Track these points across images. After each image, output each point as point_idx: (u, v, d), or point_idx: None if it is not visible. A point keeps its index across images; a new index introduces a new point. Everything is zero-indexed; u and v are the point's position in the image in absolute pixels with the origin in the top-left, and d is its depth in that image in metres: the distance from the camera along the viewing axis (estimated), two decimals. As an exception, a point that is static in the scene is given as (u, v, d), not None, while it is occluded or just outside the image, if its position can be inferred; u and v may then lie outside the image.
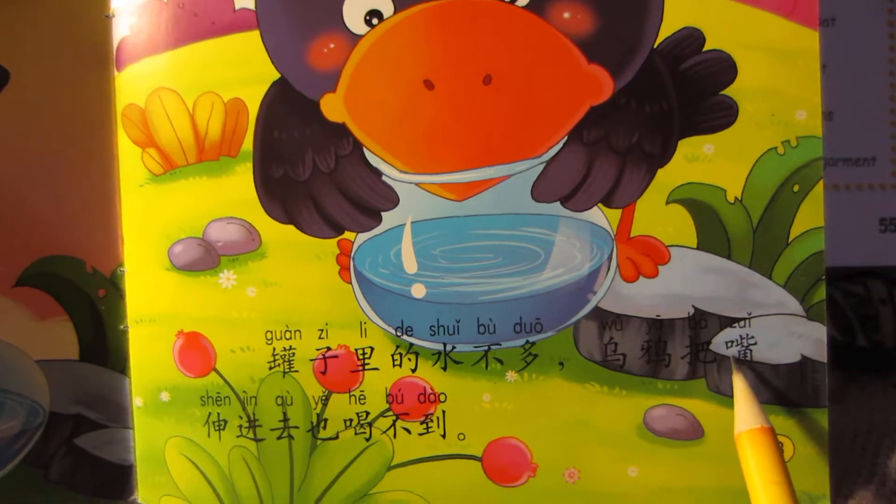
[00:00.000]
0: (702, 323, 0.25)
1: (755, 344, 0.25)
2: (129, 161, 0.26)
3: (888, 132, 0.32)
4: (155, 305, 0.26)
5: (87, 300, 0.27)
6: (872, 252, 0.32)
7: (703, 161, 0.24)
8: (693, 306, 0.25)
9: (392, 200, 0.25)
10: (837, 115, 0.32)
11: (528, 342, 0.25)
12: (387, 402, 0.26)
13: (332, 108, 0.25)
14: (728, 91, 0.24)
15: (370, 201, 0.25)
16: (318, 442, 0.26)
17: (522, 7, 0.25)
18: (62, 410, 0.27)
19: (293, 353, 0.26)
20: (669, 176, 0.24)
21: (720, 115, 0.24)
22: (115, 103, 0.26)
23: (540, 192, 0.25)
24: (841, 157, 0.32)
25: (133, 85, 0.26)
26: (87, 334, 0.27)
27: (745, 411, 0.23)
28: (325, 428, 0.26)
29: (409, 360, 0.25)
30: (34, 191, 0.26)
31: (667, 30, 0.24)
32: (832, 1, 0.32)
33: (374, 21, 0.25)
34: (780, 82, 0.24)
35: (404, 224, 0.25)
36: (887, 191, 0.32)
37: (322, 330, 0.26)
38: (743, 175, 0.24)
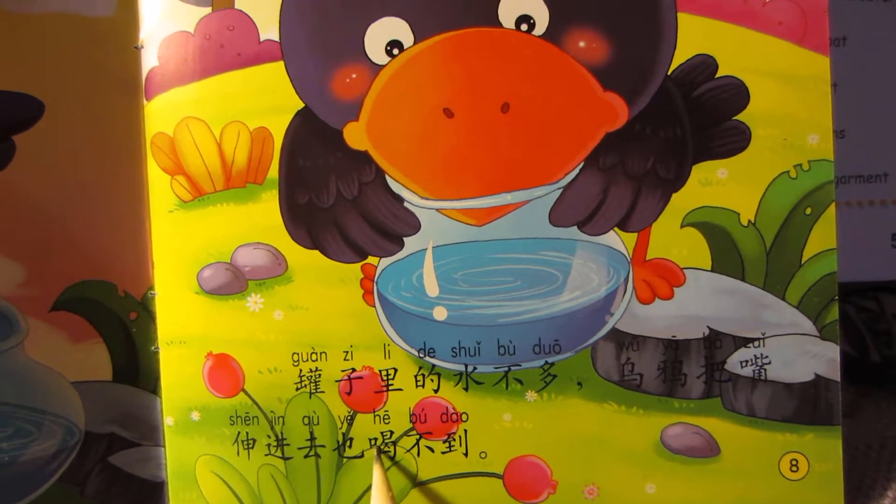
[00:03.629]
0: (717, 343, 0.25)
1: (769, 363, 0.25)
2: (159, 188, 0.27)
3: None
4: (185, 328, 0.27)
5: (119, 323, 0.27)
6: (885, 267, 0.32)
7: (716, 185, 0.25)
8: (708, 327, 0.25)
9: (414, 226, 0.26)
10: (850, 133, 0.32)
11: (547, 363, 0.26)
12: (410, 421, 0.26)
13: (355, 136, 0.26)
14: (741, 116, 0.25)
15: (392, 227, 0.26)
16: (344, 460, 0.27)
17: (539, 37, 0.25)
18: (97, 430, 0.27)
19: (319, 375, 0.26)
20: (684, 200, 0.25)
21: (733, 140, 0.25)
22: (145, 132, 0.27)
23: (557, 216, 0.25)
24: (853, 174, 0.33)
25: (162, 114, 0.27)
26: (120, 356, 0.27)
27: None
28: (350, 447, 0.27)
29: (432, 380, 0.26)
30: (67, 217, 0.27)
31: (680, 57, 0.25)
32: (844, 20, 0.32)
33: (395, 51, 0.26)
34: (791, 107, 0.25)
35: (426, 249, 0.26)
36: None
37: (347, 352, 0.26)
38: (756, 198, 0.25)
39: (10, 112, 0.26)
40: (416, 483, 0.26)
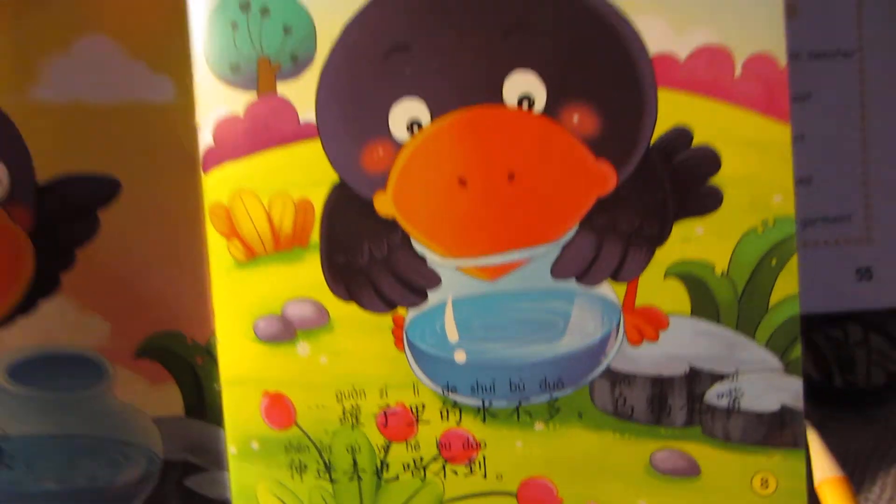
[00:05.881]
0: (697, 379, 0.29)
1: (742, 395, 0.29)
2: (217, 250, 0.31)
3: (861, 192, 0.35)
4: (243, 370, 0.31)
5: (188, 366, 0.32)
6: (850, 299, 0.35)
7: (694, 241, 0.29)
8: (689, 365, 0.29)
9: (436, 281, 0.30)
10: (816, 180, 0.35)
11: (552, 397, 0.30)
12: (437, 449, 0.30)
13: (384, 204, 0.29)
14: (714, 180, 0.28)
15: (418, 282, 0.30)
16: (383, 483, 0.31)
17: (538, 113, 0.29)
18: (173, 457, 0.32)
19: (359, 410, 0.31)
20: (666, 254, 0.29)
21: (708, 201, 0.28)
22: (204, 201, 0.31)
23: (558, 271, 0.29)
24: (820, 216, 0.35)
25: (217, 186, 0.30)
26: (190, 395, 0.32)
27: (822, 463, 0.28)
28: (387, 471, 0.31)
29: (455, 414, 0.30)
30: (143, 278, 0.31)
31: (660, 129, 0.28)
32: (809, 77, 0.35)
33: (415, 129, 0.29)
34: (757, 170, 0.28)
35: (446, 301, 0.30)
36: (862, 244, 0.35)
37: (382, 390, 0.30)
38: (728, 252, 0.28)
39: (94, 192, 0.30)
40: (444, 501, 0.31)
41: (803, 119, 0.32)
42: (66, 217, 0.30)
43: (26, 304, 0.30)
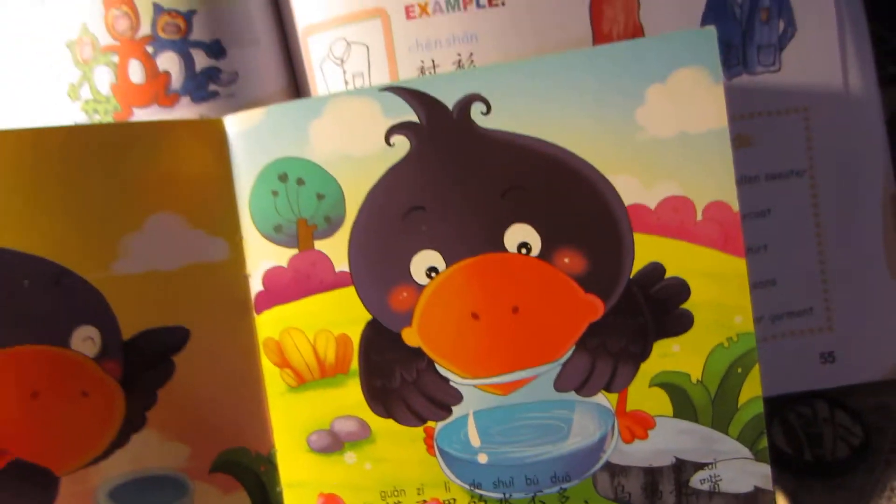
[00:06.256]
0: (682, 468, 0.35)
1: (721, 480, 0.34)
2: (272, 377, 0.36)
3: (820, 288, 0.40)
4: (301, 476, 0.36)
5: (254, 474, 0.38)
6: (816, 379, 0.40)
7: (672, 356, 0.34)
8: (674, 457, 0.35)
9: (458, 398, 0.35)
10: (779, 281, 0.40)
11: (561, 489, 0.35)
12: (468, 537, 0.36)
13: (410, 337, 0.34)
14: (686, 305, 0.33)
15: (443, 399, 0.35)
16: (425, 567, 0.37)
17: (535, 257, 0.34)
18: (247, 552, 0.38)
19: (401, 508, 0.37)
20: (650, 367, 0.34)
21: (682, 323, 0.34)
22: (258, 337, 0.37)
23: (560, 385, 0.34)
24: (786, 311, 0.40)
25: (269, 325, 0.36)
26: (257, 498, 0.38)
27: None
28: (428, 558, 0.37)
29: (481, 507, 0.36)
30: (213, 405, 0.37)
31: (638, 264, 0.33)
32: (767, 196, 0.39)
33: (433, 274, 0.34)
34: (721, 297, 0.33)
35: (468, 413, 0.35)
36: (824, 332, 0.40)
37: (419, 489, 0.36)
38: (701, 363, 0.34)
39: (168, 341, 0.36)
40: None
41: (765, 231, 0.37)
42: (147, 365, 0.36)
43: (120, 440, 0.36)
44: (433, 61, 0.37)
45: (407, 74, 0.37)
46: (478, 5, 0.37)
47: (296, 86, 0.40)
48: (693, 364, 0.34)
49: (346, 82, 0.38)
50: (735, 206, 0.33)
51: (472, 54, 0.37)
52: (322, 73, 0.38)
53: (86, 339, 0.34)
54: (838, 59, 0.40)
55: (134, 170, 0.34)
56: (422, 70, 0.37)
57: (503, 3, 0.37)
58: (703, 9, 0.39)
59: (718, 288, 0.33)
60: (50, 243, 0.33)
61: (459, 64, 0.37)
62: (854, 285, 0.40)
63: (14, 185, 0.33)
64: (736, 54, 0.39)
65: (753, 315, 0.33)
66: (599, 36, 0.38)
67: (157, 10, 0.37)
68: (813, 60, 0.40)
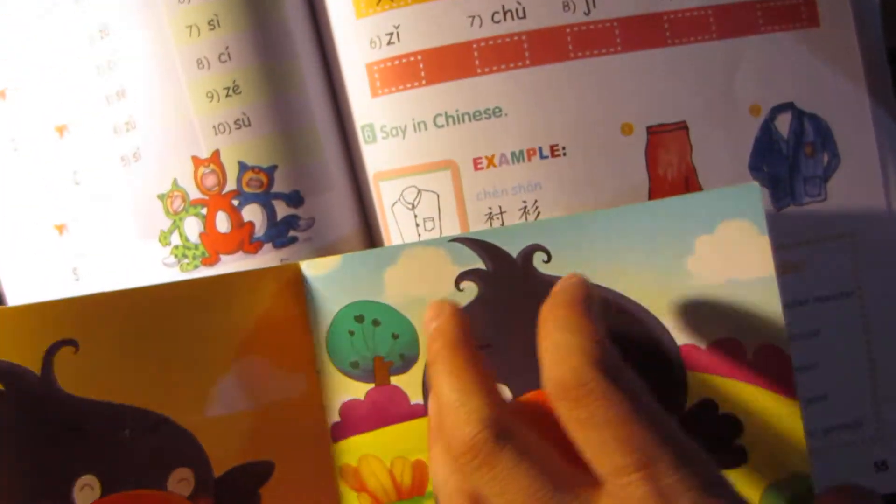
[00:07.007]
0: None
1: None
2: (349, 500, 0.39)
3: (871, 401, 0.42)
4: None
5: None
6: (872, 487, 0.40)
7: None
8: None
9: None
10: (830, 396, 0.41)
11: None
12: None
13: None
14: (739, 440, 0.35)
15: None
16: None
17: None
18: None
19: None
20: None
21: (735, 457, 0.35)
22: (335, 464, 0.39)
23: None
24: (838, 424, 0.42)
25: (346, 452, 0.38)
26: None
27: None
28: None
29: None
30: None
31: (691, 400, 0.36)
32: (816, 317, 0.41)
33: None
34: (775, 436, 0.34)
35: None
36: (876, 442, 0.42)
37: None
38: (757, 499, 0.35)
39: (255, 475, 0.39)
40: None
41: (815, 350, 0.39)
42: (237, 499, 0.39)
43: (216, 571, 0.39)
44: (500, 207, 0.40)
45: (475, 220, 0.40)
46: (541, 156, 0.40)
47: (367, 227, 0.43)
48: (749, 498, 0.35)
49: (418, 225, 0.41)
50: (786, 349, 0.35)
51: (536, 201, 0.40)
52: (394, 216, 0.42)
53: (181, 481, 0.37)
54: (881, 185, 0.42)
55: (222, 318, 0.38)
56: (489, 216, 0.40)
57: (564, 154, 0.40)
58: (751, 148, 0.41)
59: (772, 427, 0.35)
60: (148, 393, 0.36)
61: (525, 210, 0.40)
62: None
63: (115, 343, 0.36)
64: (784, 187, 0.42)
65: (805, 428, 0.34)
66: (655, 178, 0.41)
67: (242, 167, 0.41)
68: (857, 188, 0.42)
